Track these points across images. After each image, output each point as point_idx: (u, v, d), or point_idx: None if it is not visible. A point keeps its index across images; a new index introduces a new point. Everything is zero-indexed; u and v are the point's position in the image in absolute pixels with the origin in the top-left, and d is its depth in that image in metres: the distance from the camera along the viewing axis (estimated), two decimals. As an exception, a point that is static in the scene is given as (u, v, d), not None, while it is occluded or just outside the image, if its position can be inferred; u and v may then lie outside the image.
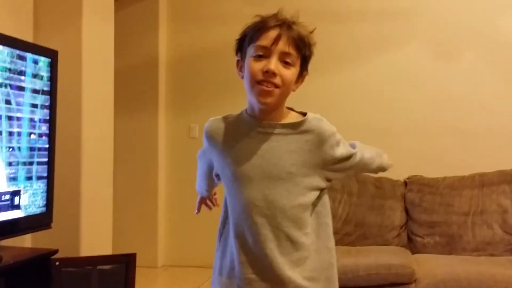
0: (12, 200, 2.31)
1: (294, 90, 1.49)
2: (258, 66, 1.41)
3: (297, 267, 1.44)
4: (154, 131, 4.65)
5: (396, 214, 3.50)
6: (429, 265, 3.00)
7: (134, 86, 4.64)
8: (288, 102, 1.52)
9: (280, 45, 1.41)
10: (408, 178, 3.67)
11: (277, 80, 1.41)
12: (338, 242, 3.39)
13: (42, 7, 3.02)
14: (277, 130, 1.47)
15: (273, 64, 1.40)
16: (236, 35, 1.49)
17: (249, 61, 1.43)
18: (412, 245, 3.43)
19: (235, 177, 1.48)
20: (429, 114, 4.13)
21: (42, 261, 2.41)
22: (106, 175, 3.36)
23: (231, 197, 1.51)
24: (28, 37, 2.95)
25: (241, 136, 1.50)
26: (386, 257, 3.00)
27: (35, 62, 2.44)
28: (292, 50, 1.42)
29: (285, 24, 1.42)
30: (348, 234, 3.46)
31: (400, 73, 4.21)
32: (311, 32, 1.47)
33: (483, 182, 3.50)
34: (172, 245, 4.71)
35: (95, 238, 3.21)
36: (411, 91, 4.18)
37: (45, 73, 2.50)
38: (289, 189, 1.45)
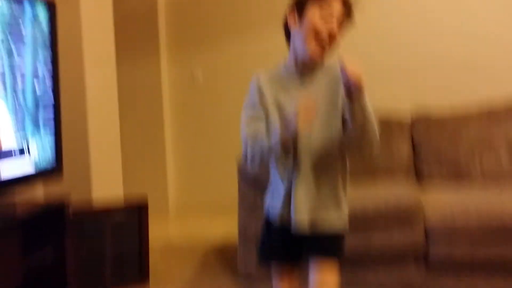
0: (21, 151, 2.33)
1: None
2: (320, 25, 1.65)
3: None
4: (157, 76, 4.62)
5: (404, 148, 3.50)
6: (438, 197, 3.03)
7: (134, 33, 4.56)
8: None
9: (340, 12, 1.66)
10: (414, 112, 3.64)
11: (333, 42, 1.67)
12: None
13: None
14: (316, 75, 1.72)
15: (335, 27, 1.65)
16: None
17: (313, 18, 1.66)
18: (420, 178, 3.45)
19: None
20: (440, 46, 4.08)
21: (56, 212, 2.45)
22: (112, 124, 3.37)
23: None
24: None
25: (288, 83, 1.73)
26: (395, 190, 3.03)
27: (34, 15, 2.39)
28: (347, 17, 1.69)
29: None
30: (355, 172, 3.48)
31: (402, 8, 4.13)
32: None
33: (490, 113, 3.47)
34: (182, 189, 4.77)
35: (105, 185, 3.26)
36: (422, 24, 4.11)
37: (44, 26, 2.46)
38: (329, 122, 1.69)
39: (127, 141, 4.32)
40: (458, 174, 3.37)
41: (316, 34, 1.64)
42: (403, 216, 2.83)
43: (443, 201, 2.97)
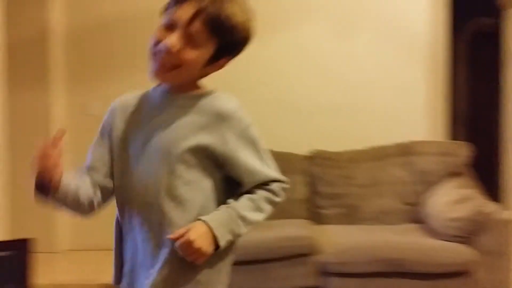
0: None
1: (205, 75, 1.35)
2: (160, 37, 1.27)
3: None
4: (47, 109, 4.40)
5: (300, 187, 3.58)
6: (332, 235, 3.12)
7: (25, 62, 4.34)
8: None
9: (192, 24, 1.23)
10: (311, 152, 3.76)
11: (173, 59, 1.25)
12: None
13: None
14: (178, 102, 1.33)
15: (175, 39, 1.24)
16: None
17: (156, 29, 1.28)
18: (315, 217, 3.54)
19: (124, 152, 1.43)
20: (329, 91, 4.24)
21: None
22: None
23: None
24: None
25: (149, 107, 1.39)
26: (288, 230, 3.08)
27: None
28: (203, 29, 1.24)
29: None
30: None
31: (299, 52, 4.28)
32: (247, 17, 1.28)
33: (380, 155, 3.66)
34: (73, 227, 4.52)
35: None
36: (310, 69, 4.26)
37: None
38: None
39: (16, 175, 4.07)
40: (351, 212, 3.51)
41: (151, 47, 1.29)
42: (298, 254, 2.89)
43: (336, 237, 3.07)
